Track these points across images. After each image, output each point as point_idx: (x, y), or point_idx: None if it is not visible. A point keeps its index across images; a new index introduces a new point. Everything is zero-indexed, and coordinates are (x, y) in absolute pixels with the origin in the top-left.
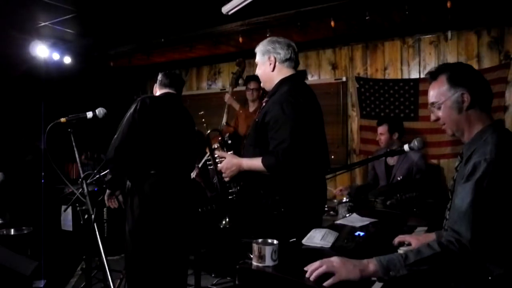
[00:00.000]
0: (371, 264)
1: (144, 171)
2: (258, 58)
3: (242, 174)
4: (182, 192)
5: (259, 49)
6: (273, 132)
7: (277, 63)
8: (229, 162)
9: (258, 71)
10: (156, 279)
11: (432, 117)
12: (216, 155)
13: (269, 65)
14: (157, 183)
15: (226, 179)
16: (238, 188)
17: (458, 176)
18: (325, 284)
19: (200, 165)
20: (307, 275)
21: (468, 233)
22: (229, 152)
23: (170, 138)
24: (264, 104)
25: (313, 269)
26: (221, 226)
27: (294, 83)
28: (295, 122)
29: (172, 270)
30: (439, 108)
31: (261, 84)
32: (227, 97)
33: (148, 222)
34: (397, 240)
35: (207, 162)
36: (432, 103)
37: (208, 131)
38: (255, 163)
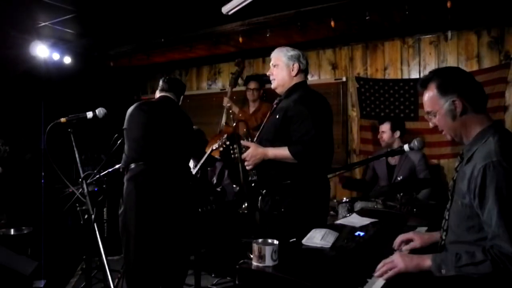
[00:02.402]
0: (427, 260)
1: (133, 161)
2: (279, 61)
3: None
4: (174, 190)
5: (282, 53)
6: (298, 125)
7: (299, 71)
8: (254, 150)
9: (277, 74)
10: (151, 276)
11: (431, 125)
12: (239, 145)
13: (291, 70)
14: (143, 181)
15: (249, 167)
16: (256, 177)
17: (459, 176)
18: (385, 276)
19: (198, 166)
20: (375, 275)
21: (509, 245)
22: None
23: (162, 135)
24: (275, 105)
25: (378, 269)
26: (240, 211)
27: (307, 88)
28: (316, 116)
29: (166, 267)
30: (435, 116)
31: (273, 85)
32: (225, 101)
33: (130, 220)
34: (398, 240)
35: (231, 151)
36: (428, 112)
37: (234, 123)
38: (282, 152)
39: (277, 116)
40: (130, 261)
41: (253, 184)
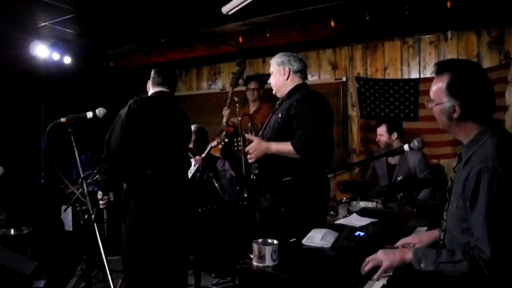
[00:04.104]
0: (409, 252)
1: (140, 172)
2: (273, 68)
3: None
4: (179, 191)
5: (274, 61)
6: (300, 122)
7: (291, 73)
8: (257, 144)
9: (272, 80)
10: (156, 281)
11: (427, 106)
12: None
13: (283, 74)
14: (154, 183)
15: (252, 160)
16: (258, 170)
17: (456, 177)
18: (374, 276)
19: (204, 154)
20: (362, 273)
21: (488, 249)
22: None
23: (165, 138)
24: (277, 106)
25: (363, 268)
26: (240, 203)
27: (308, 89)
28: (318, 115)
29: (171, 272)
30: (433, 105)
31: (274, 92)
32: (226, 112)
33: (145, 223)
34: (400, 244)
35: (234, 144)
36: (429, 97)
37: (239, 117)
38: (284, 146)
39: (280, 115)
40: (135, 265)
41: (254, 177)
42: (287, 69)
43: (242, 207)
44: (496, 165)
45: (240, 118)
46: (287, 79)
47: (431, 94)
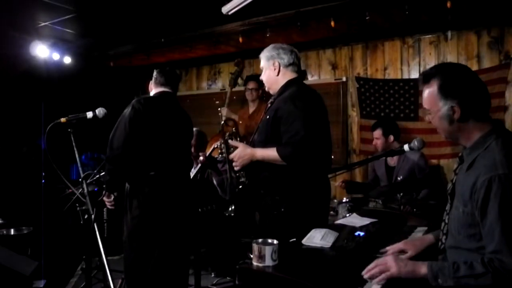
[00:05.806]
0: (423, 267)
1: (143, 173)
2: (263, 64)
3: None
4: (181, 192)
5: (263, 55)
6: (287, 126)
7: (281, 68)
8: (242, 151)
9: (263, 76)
10: (157, 281)
11: (426, 119)
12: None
13: (273, 69)
14: (156, 184)
15: (237, 168)
16: (245, 178)
17: (458, 181)
18: (376, 280)
19: (207, 155)
20: (364, 275)
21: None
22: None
23: (168, 138)
24: (269, 105)
25: (368, 270)
26: (226, 214)
27: (300, 84)
28: (307, 116)
29: (172, 271)
30: (431, 114)
31: (266, 88)
32: (224, 111)
33: (147, 224)
34: (389, 253)
35: (219, 150)
36: (425, 108)
37: (222, 122)
38: (270, 153)
39: (268, 117)
40: (137, 265)
41: (240, 187)
42: (277, 63)
43: (228, 217)
44: (507, 172)
45: (222, 123)
46: (277, 74)
47: (426, 105)
